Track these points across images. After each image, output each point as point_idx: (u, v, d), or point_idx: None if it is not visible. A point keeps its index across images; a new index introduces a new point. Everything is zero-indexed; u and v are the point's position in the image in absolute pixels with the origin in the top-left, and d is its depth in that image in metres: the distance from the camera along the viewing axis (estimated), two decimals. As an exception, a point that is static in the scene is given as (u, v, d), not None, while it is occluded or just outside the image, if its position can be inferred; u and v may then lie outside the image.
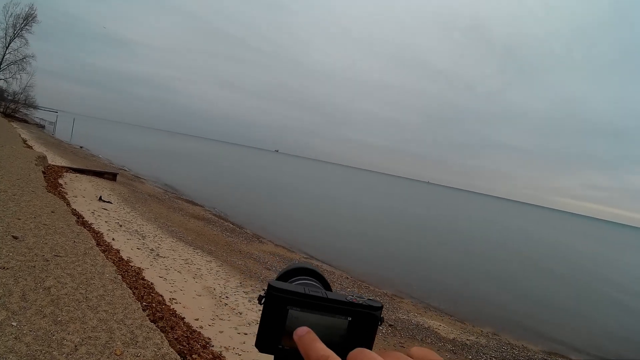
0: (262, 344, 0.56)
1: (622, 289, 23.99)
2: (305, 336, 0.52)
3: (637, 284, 27.70)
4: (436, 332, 9.78)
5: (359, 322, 0.57)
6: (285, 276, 0.70)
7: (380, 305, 0.59)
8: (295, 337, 0.53)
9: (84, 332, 4.50)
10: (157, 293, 7.02)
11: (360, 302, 0.58)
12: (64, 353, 4.01)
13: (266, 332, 0.56)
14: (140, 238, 10.72)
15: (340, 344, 0.57)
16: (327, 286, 0.70)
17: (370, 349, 0.58)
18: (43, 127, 54.57)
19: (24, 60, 49.95)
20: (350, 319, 0.57)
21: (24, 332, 4.15)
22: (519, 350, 9.79)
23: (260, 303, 0.58)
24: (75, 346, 4.19)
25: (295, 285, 0.59)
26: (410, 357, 0.50)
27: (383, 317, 0.60)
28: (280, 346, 0.56)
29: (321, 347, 0.51)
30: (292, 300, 0.56)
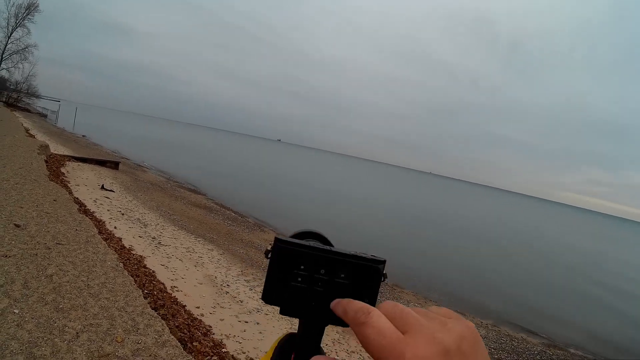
0: (268, 296, 0.58)
1: (624, 283, 24.03)
2: (343, 300, 0.53)
3: (638, 280, 27.72)
4: (436, 321, 9.83)
5: (363, 275, 0.58)
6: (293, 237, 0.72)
7: (383, 260, 0.60)
8: (332, 304, 0.54)
9: (86, 319, 4.54)
10: (158, 281, 7.06)
11: (364, 255, 0.59)
12: (65, 340, 4.05)
13: (272, 283, 0.58)
14: (142, 226, 10.76)
15: (343, 295, 0.58)
16: (331, 246, 0.71)
17: (374, 302, 0.58)
18: (45, 116, 54.61)
19: (26, 49, 49.95)
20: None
21: (26, 319, 4.19)
22: (518, 342, 9.84)
23: (267, 257, 0.59)
24: (77, 333, 4.23)
25: (301, 240, 0.61)
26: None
27: (386, 273, 0.60)
28: (286, 295, 0.58)
29: (359, 302, 0.51)
30: (297, 252, 0.58)
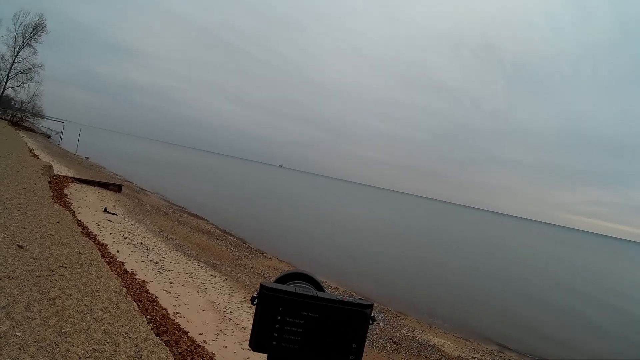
0: (256, 343, 0.59)
1: (631, 305, 23.57)
2: None
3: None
4: (441, 349, 9.59)
5: (350, 320, 0.59)
6: (280, 281, 0.74)
7: (370, 303, 0.61)
8: None
9: (89, 344, 4.43)
10: (161, 306, 6.93)
11: (351, 300, 0.60)
12: (68, 366, 3.94)
13: (260, 331, 0.58)
14: (145, 251, 10.66)
15: (331, 342, 0.59)
16: (320, 289, 0.73)
17: (362, 346, 0.60)
18: (49, 136, 54.99)
19: (32, 69, 50.72)
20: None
21: (28, 342, 4.08)
22: (526, 373, 9.58)
23: (253, 303, 0.60)
24: (80, 358, 4.11)
25: (287, 286, 0.62)
26: None
27: (374, 316, 0.61)
28: (274, 343, 0.58)
29: None
30: (283, 299, 0.59)
